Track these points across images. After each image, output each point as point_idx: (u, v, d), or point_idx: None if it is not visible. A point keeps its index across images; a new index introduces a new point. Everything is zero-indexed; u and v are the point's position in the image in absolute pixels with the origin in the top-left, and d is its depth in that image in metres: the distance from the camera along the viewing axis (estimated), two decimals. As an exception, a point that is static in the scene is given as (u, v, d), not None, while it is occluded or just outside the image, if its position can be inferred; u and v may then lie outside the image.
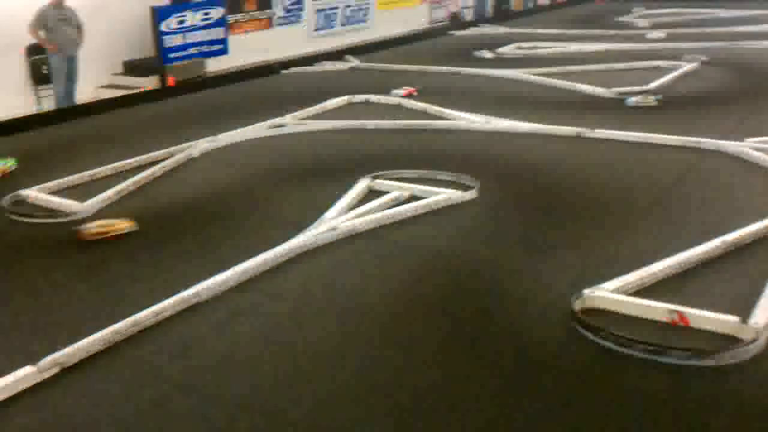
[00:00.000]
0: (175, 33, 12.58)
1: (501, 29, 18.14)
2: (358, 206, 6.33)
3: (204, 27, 13.10)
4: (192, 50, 12.91)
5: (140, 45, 12.60)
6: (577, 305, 4.53)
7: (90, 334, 4.32)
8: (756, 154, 7.32)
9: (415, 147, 8.27)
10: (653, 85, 10.58)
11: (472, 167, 7.25)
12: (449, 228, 5.99)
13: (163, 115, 10.53)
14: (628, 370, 4.01)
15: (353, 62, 14.17)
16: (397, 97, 10.45)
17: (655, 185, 6.76)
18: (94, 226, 5.94)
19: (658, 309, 4.45)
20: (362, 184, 6.77)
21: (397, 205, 6.37)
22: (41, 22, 10.66)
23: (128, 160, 7.86)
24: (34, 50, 11.19)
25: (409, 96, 10.49)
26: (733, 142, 7.69)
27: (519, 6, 22.02)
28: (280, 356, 4.23)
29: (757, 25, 16.67)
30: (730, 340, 4.18)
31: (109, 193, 6.85)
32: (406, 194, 6.57)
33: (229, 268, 5.14)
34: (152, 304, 4.66)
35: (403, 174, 7.08)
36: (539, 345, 4.28)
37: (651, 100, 9.74)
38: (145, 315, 4.55)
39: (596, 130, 8.35)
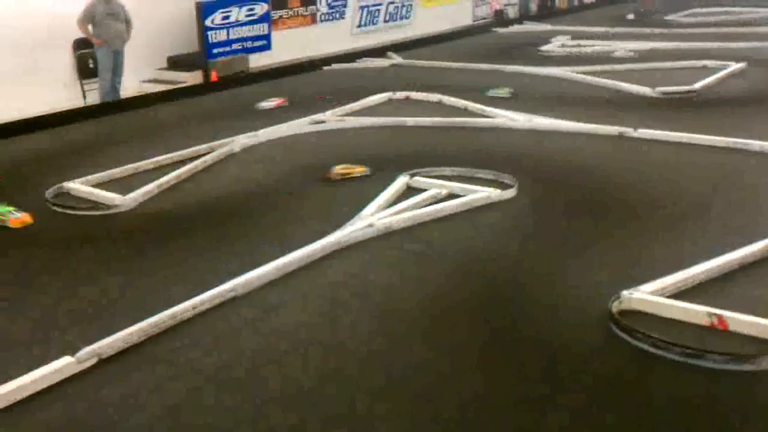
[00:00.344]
0: (219, 28, 12.70)
1: (546, 26, 17.97)
2: (396, 203, 6.32)
3: (248, 23, 13.20)
4: (236, 46, 13.01)
5: (185, 40, 12.74)
6: (615, 307, 4.47)
7: (128, 326, 4.38)
8: (803, 156, 7.16)
9: (455, 145, 8.23)
10: (699, 84, 10.39)
11: (512, 166, 7.19)
12: (487, 227, 5.95)
13: (205, 110, 10.63)
14: (664, 374, 3.95)
15: (395, 59, 14.15)
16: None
17: (698, 187, 6.65)
18: (336, 170, 7.14)
19: (697, 312, 4.37)
20: (400, 182, 6.76)
21: (435, 202, 6.35)
22: (89, 16, 10.84)
23: (170, 155, 7.94)
24: (81, 44, 11.38)
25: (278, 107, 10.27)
26: (780, 144, 7.53)
27: (564, 3, 21.81)
28: (311, 353, 4.24)
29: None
30: (771, 346, 4.10)
31: (151, 187, 6.93)
32: (444, 192, 6.54)
33: (265, 263, 5.17)
34: (189, 298, 4.71)
35: (442, 171, 7.06)
36: (575, 347, 4.23)
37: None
38: (183, 308, 4.60)
39: (639, 130, 8.23)
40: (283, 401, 3.80)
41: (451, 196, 6.48)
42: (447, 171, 7.08)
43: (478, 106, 9.62)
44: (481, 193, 6.42)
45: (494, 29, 18.02)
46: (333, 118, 9.43)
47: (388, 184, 6.70)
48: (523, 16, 19.83)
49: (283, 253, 5.31)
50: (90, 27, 10.89)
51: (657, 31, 16.56)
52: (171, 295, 4.84)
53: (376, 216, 5.99)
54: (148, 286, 5.11)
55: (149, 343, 4.35)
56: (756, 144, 7.60)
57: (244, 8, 13.09)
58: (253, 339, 4.41)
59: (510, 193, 6.50)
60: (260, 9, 13.37)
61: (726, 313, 4.31)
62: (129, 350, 4.27)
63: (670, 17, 18.96)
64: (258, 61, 13.41)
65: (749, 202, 6.26)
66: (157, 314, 4.50)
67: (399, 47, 15.23)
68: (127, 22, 11.17)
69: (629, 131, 8.25)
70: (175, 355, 4.24)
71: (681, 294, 4.67)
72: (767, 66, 11.90)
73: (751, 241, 5.27)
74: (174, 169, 7.43)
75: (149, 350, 4.29)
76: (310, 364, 4.13)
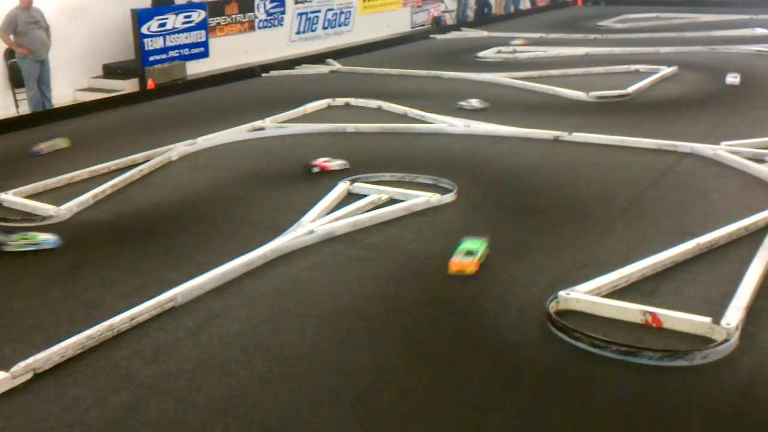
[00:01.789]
0: (156, 36, 12.56)
1: (483, 33, 18.20)
2: (336, 209, 6.34)
3: (185, 30, 13.08)
4: (173, 53, 12.88)
5: (120, 48, 12.58)
6: (552, 307, 4.56)
7: (64, 339, 4.31)
8: (730, 156, 7.39)
9: (395, 150, 8.28)
10: (631, 88, 10.64)
11: (452, 170, 7.28)
12: (427, 231, 6.01)
13: (142, 118, 10.50)
14: (601, 371, 4.04)
15: (334, 65, 14.18)
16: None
17: (632, 188, 6.82)
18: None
19: (631, 310, 4.49)
20: (341, 188, 6.78)
21: (376, 208, 6.39)
22: (10, 25, 10.56)
23: (106, 163, 7.83)
24: (12, 53, 11.14)
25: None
26: (708, 145, 7.76)
27: (500, 10, 22.11)
28: (255, 360, 4.23)
29: (733, 29, 16.81)
30: (703, 341, 4.22)
31: (86, 197, 6.82)
32: (384, 197, 6.58)
33: (205, 271, 5.14)
34: (128, 309, 4.65)
35: (382, 177, 7.10)
36: (514, 347, 4.30)
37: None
38: (121, 319, 4.54)
39: (574, 134, 8.40)
40: (227, 410, 3.79)
41: (392, 201, 6.53)
42: (387, 176, 7.13)
43: (417, 112, 9.70)
44: (421, 198, 6.48)
45: (432, 36, 18.18)
46: (272, 125, 9.41)
47: (329, 191, 6.72)
48: (461, 23, 20.05)
49: (224, 261, 5.29)
50: (12, 37, 10.61)
51: (591, 36, 16.91)
52: (109, 306, 4.78)
53: (317, 222, 6.00)
54: (84, 298, 5.03)
55: (87, 356, 4.28)
56: (686, 146, 7.82)
57: (181, 15, 12.97)
58: (195, 348, 4.37)
59: (449, 198, 6.58)
60: (197, 16, 13.26)
61: (660, 311, 4.44)
62: (66, 364, 4.20)
63: (603, 23, 19.38)
64: (195, 68, 13.29)
65: (680, 202, 6.44)
66: (94, 326, 4.44)
67: (338, 54, 15.26)
68: (47, 29, 10.94)
69: (564, 135, 8.41)
70: (114, 368, 4.19)
71: (616, 293, 4.79)
72: (697, 70, 12.26)
73: (682, 240, 5.43)
74: (110, 179, 7.32)
75: (87, 363, 4.22)
76: (254, 371, 4.12)
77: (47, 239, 5.91)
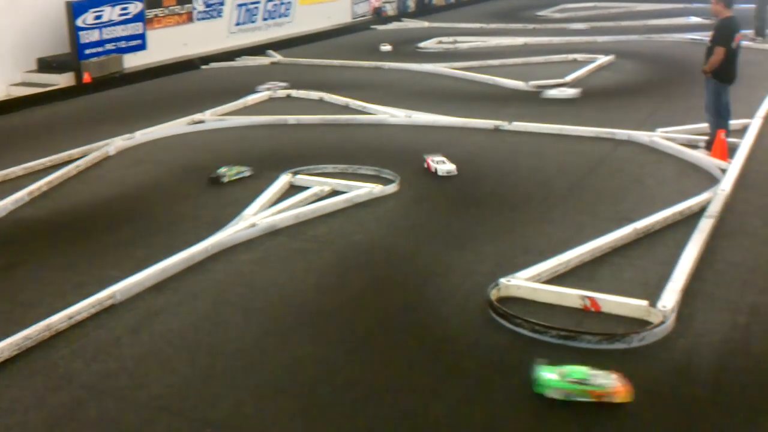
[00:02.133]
0: (91, 28, 12.28)
1: (423, 24, 18.25)
2: (279, 202, 6.30)
3: (122, 22, 12.83)
4: (109, 46, 12.62)
5: (55, 41, 12.26)
6: (493, 294, 4.61)
7: (0, 340, 4.21)
8: (666, 143, 7.56)
9: (337, 142, 8.27)
10: (570, 77, 10.79)
11: (394, 161, 7.30)
12: (370, 222, 6.02)
13: (78, 113, 10.29)
14: (542, 355, 4.09)
15: (275, 57, 14.07)
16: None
17: (570, 175, 6.92)
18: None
19: (570, 295, 4.57)
20: (283, 180, 6.75)
21: (319, 200, 6.37)
22: None
23: (42, 160, 7.66)
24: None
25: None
26: (644, 133, 7.92)
27: (440, 1, 22.19)
28: (197, 356, 4.19)
29: (669, 18, 17.16)
30: (640, 324, 4.31)
31: (22, 194, 6.67)
32: (327, 189, 6.57)
33: (145, 268, 5.07)
34: (66, 308, 4.56)
35: (324, 169, 7.08)
36: (458, 334, 4.34)
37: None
38: (59, 318, 4.45)
39: (514, 123, 8.49)
40: (169, 407, 3.75)
41: (335, 192, 6.52)
42: (329, 168, 7.11)
43: (359, 103, 9.69)
44: (364, 189, 6.49)
45: (373, 26, 18.16)
46: (212, 118, 9.30)
47: (271, 183, 6.68)
48: (402, 14, 20.07)
49: (164, 256, 5.22)
50: None
51: (530, 26, 17.08)
52: (46, 305, 4.68)
53: (259, 215, 5.97)
54: (21, 298, 4.92)
55: (24, 356, 4.19)
56: (623, 133, 7.97)
57: (117, 7, 12.71)
58: (135, 346, 4.31)
59: (392, 188, 6.59)
60: (134, 8, 13.01)
61: (598, 296, 4.52)
62: (2, 366, 4.10)
63: (541, 13, 19.60)
64: (133, 61, 13.06)
65: (617, 189, 6.56)
66: (31, 326, 4.34)
67: (279, 45, 15.15)
68: None
69: (504, 124, 8.50)
70: (53, 368, 4.11)
71: (556, 279, 4.87)
72: (634, 58, 12.48)
73: (620, 226, 5.54)
74: (46, 175, 7.16)
75: (25, 364, 4.13)
76: (197, 367, 4.08)
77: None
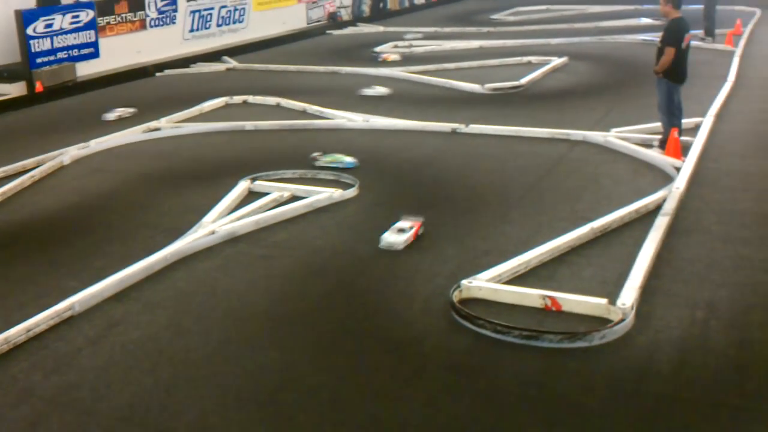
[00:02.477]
0: (42, 37, 12.10)
1: (379, 28, 18.29)
2: (238, 209, 6.27)
3: (73, 30, 12.65)
4: (61, 54, 12.44)
5: (5, 50, 12.05)
6: (455, 296, 4.63)
7: (-44, 354, 4.13)
8: (620, 143, 7.67)
9: (295, 147, 8.25)
10: (525, 79, 10.90)
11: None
12: (331, 226, 6.02)
13: (31, 123, 10.13)
14: (505, 356, 4.13)
15: (230, 63, 14.00)
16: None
17: (528, 176, 6.99)
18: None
19: (531, 295, 4.61)
20: (241, 186, 6.71)
21: (278, 206, 6.35)
22: None
23: (-6, 171, 7.53)
24: None
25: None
26: (599, 133, 8.03)
27: (395, 5, 22.27)
28: (159, 366, 4.15)
29: (620, 20, 17.43)
30: (601, 322, 4.37)
31: (-26, 206, 6.54)
32: (286, 195, 6.55)
33: (104, 278, 5.00)
34: (24, 320, 4.48)
35: (283, 174, 7.06)
36: (421, 337, 4.36)
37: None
38: (17, 331, 4.37)
39: (470, 126, 8.55)
40: (132, 418, 3.70)
41: (294, 198, 6.50)
42: (288, 173, 7.09)
43: (316, 108, 9.68)
44: (324, 194, 6.48)
45: (329, 31, 18.16)
46: (168, 125, 9.22)
47: (229, 190, 6.64)
48: (357, 18, 20.10)
49: (123, 266, 5.16)
50: None
51: (484, 29, 17.22)
52: (3, 318, 4.60)
53: (218, 222, 5.93)
54: (-23, 311, 4.83)
55: (-18, 370, 4.12)
56: (578, 134, 8.07)
57: (69, 15, 12.54)
58: (96, 357, 4.25)
59: (351, 192, 6.60)
60: (86, 16, 12.84)
61: (558, 295, 4.58)
62: (-40, 380, 4.03)
63: (495, 16, 19.77)
64: (86, 69, 12.88)
65: (574, 189, 6.64)
66: (-12, 340, 4.27)
67: (234, 51, 15.07)
68: None
69: (461, 127, 8.55)
70: (12, 382, 4.03)
71: (517, 279, 4.91)
72: (587, 60, 12.65)
73: (577, 225, 5.61)
74: (0, 186, 7.03)
75: (-18, 378, 4.06)
76: (159, 377, 4.04)
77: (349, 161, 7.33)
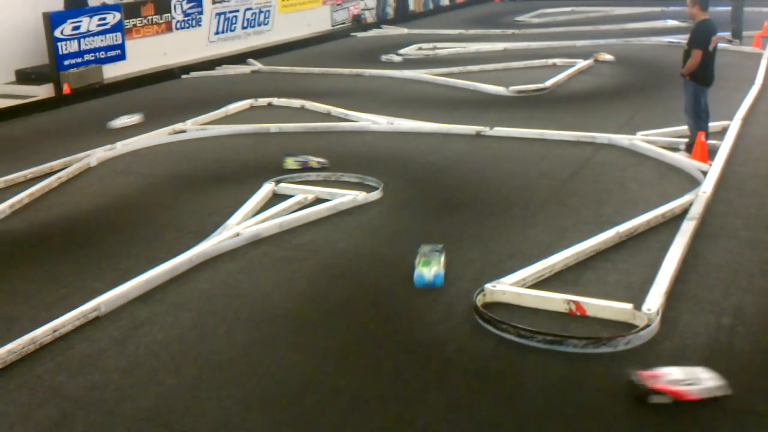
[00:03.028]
0: (70, 39, 12.23)
1: (403, 30, 18.29)
2: (262, 211, 6.29)
3: (100, 32, 12.78)
4: (88, 56, 12.57)
5: (33, 52, 12.20)
6: (479, 300, 4.62)
7: (-16, 354, 4.18)
8: (646, 146, 7.62)
9: (319, 149, 8.25)
10: (549, 82, 10.85)
11: (377, 168, 7.31)
12: (355, 229, 6.02)
13: (58, 124, 10.23)
14: (528, 361, 4.11)
15: (255, 66, 14.06)
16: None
17: (552, 180, 6.95)
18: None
19: (556, 300, 4.59)
20: (266, 189, 6.73)
21: (302, 208, 6.36)
22: None
23: (22, 172, 7.61)
24: None
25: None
26: (624, 136, 7.98)
27: (419, 7, 22.26)
28: (183, 367, 4.17)
29: (646, 22, 17.31)
30: (626, 327, 4.34)
31: (3, 207, 6.62)
32: (310, 197, 6.56)
33: (129, 279, 5.04)
34: (50, 320, 4.53)
35: (308, 177, 7.08)
36: (444, 341, 4.35)
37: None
38: (43, 332, 4.42)
39: (495, 128, 8.53)
40: (156, 419, 3.73)
41: (318, 200, 6.52)
42: (313, 176, 7.11)
43: (341, 110, 9.69)
44: (348, 197, 6.49)
45: (353, 34, 18.19)
46: (194, 127, 9.28)
47: (254, 192, 6.67)
48: (381, 21, 20.11)
49: (148, 268, 5.20)
50: None
51: (509, 31, 17.17)
52: (30, 319, 4.65)
53: (243, 224, 5.95)
54: (3, 311, 4.87)
55: (8, 371, 4.16)
56: (604, 137, 8.02)
57: (96, 17, 12.66)
58: (121, 358, 4.29)
59: (375, 195, 6.60)
60: (113, 18, 12.97)
61: (583, 300, 4.55)
62: (-13, 379, 4.08)
63: (520, 18, 19.70)
64: (113, 71, 13.00)
65: (599, 192, 6.60)
66: (15, 340, 4.31)
67: (259, 54, 15.14)
68: None
69: (486, 130, 8.53)
70: (38, 382, 4.07)
71: (541, 283, 4.89)
72: (612, 62, 12.55)
73: (603, 229, 5.57)
74: (27, 188, 7.11)
75: (9, 379, 4.10)
76: (183, 378, 4.06)
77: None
